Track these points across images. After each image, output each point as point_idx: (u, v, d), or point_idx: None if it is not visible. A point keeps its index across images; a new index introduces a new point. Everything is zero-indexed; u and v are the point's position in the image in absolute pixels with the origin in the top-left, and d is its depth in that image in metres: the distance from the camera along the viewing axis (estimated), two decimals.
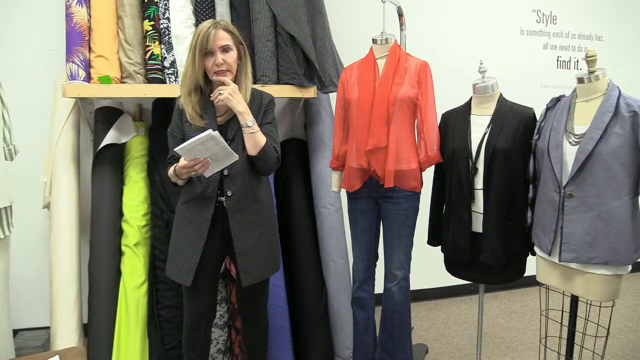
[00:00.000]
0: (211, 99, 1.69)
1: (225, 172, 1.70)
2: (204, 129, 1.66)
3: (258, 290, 1.85)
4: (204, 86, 1.74)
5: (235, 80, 1.73)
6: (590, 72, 1.67)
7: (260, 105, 1.78)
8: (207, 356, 1.89)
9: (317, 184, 2.48)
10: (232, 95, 1.64)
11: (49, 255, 2.22)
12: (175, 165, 1.66)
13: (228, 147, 1.56)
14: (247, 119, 1.66)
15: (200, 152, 1.54)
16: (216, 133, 1.50)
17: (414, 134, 2.02)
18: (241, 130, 1.70)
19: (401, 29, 2.40)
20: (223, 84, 1.67)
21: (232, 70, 1.70)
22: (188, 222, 1.74)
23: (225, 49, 1.67)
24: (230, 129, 1.73)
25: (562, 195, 1.65)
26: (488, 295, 3.36)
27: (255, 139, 1.67)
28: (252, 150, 1.69)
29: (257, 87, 1.86)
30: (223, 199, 1.71)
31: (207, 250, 1.73)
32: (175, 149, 1.55)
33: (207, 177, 1.67)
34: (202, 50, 1.65)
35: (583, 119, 1.66)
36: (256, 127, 1.68)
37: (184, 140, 1.63)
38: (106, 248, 2.18)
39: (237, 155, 1.62)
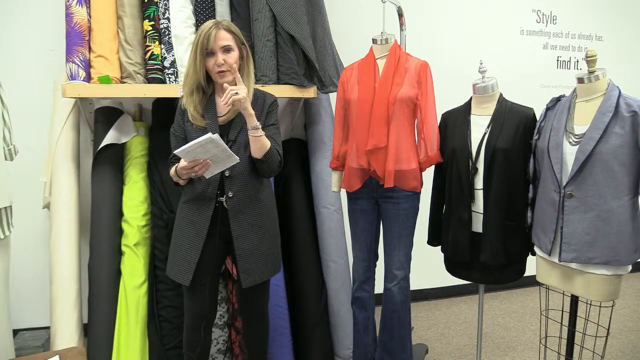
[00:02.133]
0: (222, 102, 1.60)
1: (227, 173, 1.70)
2: (205, 129, 1.66)
3: (259, 291, 1.85)
4: (206, 86, 1.73)
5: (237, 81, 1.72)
6: (590, 72, 1.67)
7: (263, 106, 1.76)
8: (207, 356, 1.89)
9: (317, 184, 2.48)
10: (246, 97, 1.61)
11: (49, 255, 2.22)
12: (176, 165, 1.66)
13: (228, 149, 1.55)
14: (256, 121, 1.64)
15: (201, 154, 1.53)
16: (216, 136, 1.49)
17: (414, 134, 2.02)
18: (243, 131, 1.69)
19: (401, 29, 2.40)
20: (227, 84, 1.65)
21: (232, 70, 1.69)
22: (188, 222, 1.74)
23: (226, 49, 1.66)
24: (233, 129, 1.72)
25: (562, 195, 1.65)
26: (488, 295, 3.36)
27: (261, 142, 1.65)
28: (257, 153, 1.67)
29: (258, 87, 1.85)
30: (223, 199, 1.71)
31: (207, 250, 1.73)
32: (175, 151, 1.54)
33: (207, 177, 1.66)
34: (203, 50, 1.64)
35: (583, 119, 1.66)
36: (262, 131, 1.66)
37: (186, 140, 1.62)
38: (106, 248, 2.18)
39: (238, 158, 1.61)
